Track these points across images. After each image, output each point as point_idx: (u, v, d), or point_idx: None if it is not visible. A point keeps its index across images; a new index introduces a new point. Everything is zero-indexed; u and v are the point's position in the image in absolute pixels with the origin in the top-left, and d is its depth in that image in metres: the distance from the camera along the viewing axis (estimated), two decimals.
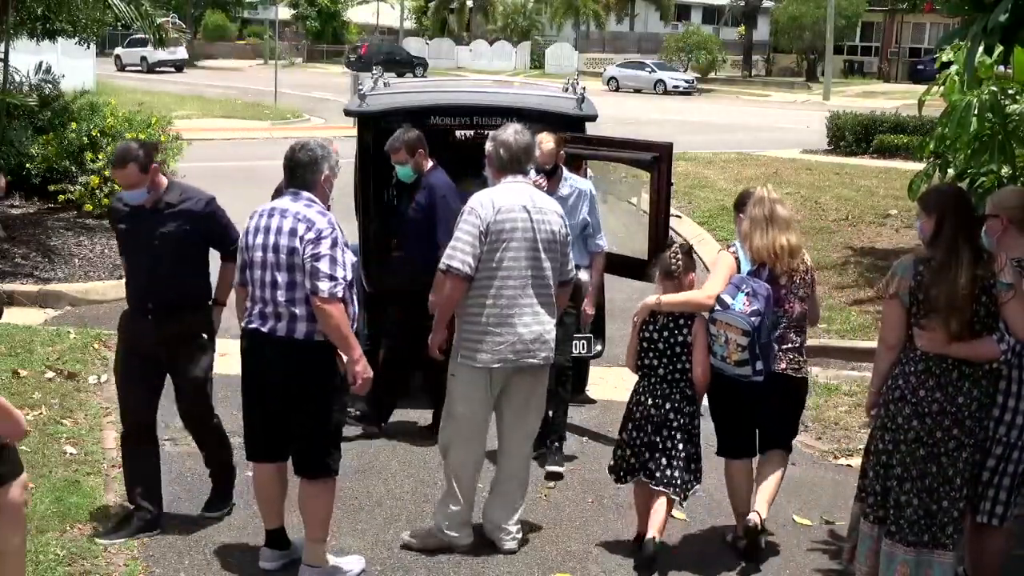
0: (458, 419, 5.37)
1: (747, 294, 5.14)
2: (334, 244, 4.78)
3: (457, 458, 5.41)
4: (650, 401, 5.32)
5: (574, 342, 7.15)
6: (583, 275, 6.59)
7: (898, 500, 4.52)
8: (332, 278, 4.72)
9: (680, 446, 5.28)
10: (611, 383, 8.06)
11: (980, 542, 4.77)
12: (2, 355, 8.03)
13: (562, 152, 6.84)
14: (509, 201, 5.25)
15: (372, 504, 5.95)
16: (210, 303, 5.60)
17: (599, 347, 7.56)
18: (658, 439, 5.29)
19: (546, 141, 6.61)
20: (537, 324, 5.27)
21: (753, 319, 5.08)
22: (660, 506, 5.28)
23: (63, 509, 5.53)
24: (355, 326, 4.90)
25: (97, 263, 10.97)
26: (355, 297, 4.91)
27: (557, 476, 6.41)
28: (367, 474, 6.35)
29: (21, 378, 7.58)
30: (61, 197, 12.51)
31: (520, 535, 5.49)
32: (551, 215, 5.35)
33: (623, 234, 7.91)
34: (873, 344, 4.90)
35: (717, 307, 5.17)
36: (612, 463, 5.51)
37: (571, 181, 6.84)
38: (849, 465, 6.69)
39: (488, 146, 5.46)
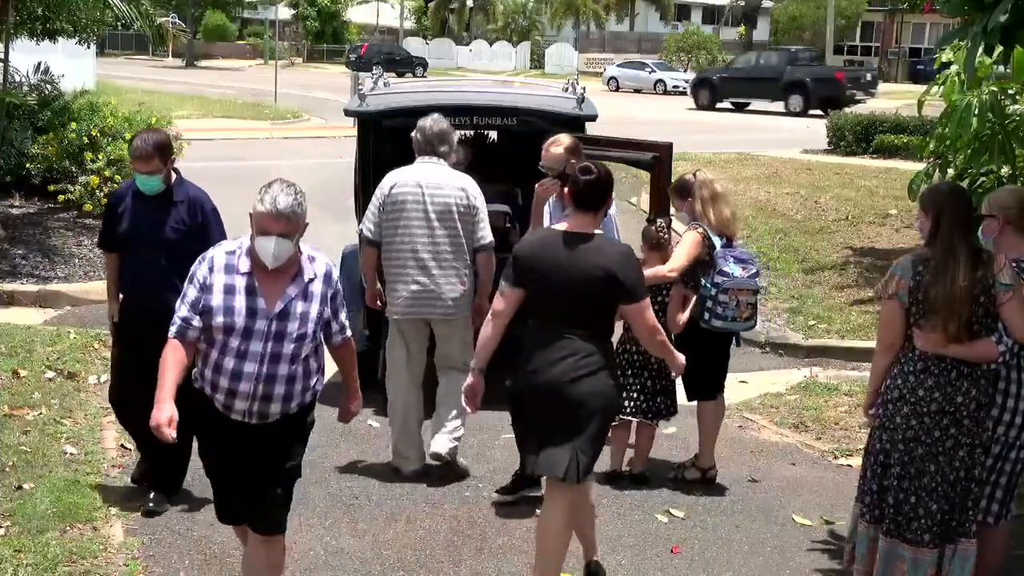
0: (389, 359, 6.44)
1: (736, 261, 6.05)
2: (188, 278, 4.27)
3: (390, 392, 6.40)
4: (633, 347, 6.16)
5: None
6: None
7: (896, 498, 4.53)
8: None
9: (650, 382, 6.21)
10: None
11: (979, 541, 4.76)
12: (2, 355, 8.03)
13: (572, 161, 5.87)
14: (404, 178, 6.22)
15: (372, 504, 5.95)
16: None
17: None
18: (643, 379, 6.22)
19: (555, 144, 6.14)
20: (432, 282, 6.16)
21: (757, 280, 6.14)
22: (644, 441, 6.37)
23: (63, 509, 5.53)
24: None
25: (97, 263, 10.96)
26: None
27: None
28: (367, 474, 6.35)
29: (21, 378, 7.58)
30: (61, 197, 12.50)
31: (457, 443, 6.29)
32: (448, 189, 6.17)
33: (623, 234, 7.91)
34: (873, 344, 4.91)
35: (724, 279, 5.98)
36: None
37: None
38: (849, 465, 6.69)
39: (413, 132, 6.34)
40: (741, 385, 8.14)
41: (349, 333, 4.55)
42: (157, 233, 5.56)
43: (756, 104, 38.55)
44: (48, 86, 14.13)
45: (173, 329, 4.19)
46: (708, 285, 6.04)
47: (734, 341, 6.43)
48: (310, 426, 4.54)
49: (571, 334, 4.62)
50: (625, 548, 5.53)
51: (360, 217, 7.94)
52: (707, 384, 6.39)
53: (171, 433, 4.03)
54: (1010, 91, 7.89)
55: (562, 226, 4.86)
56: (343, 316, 4.47)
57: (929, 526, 4.49)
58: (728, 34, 67.89)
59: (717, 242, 6.10)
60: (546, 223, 5.88)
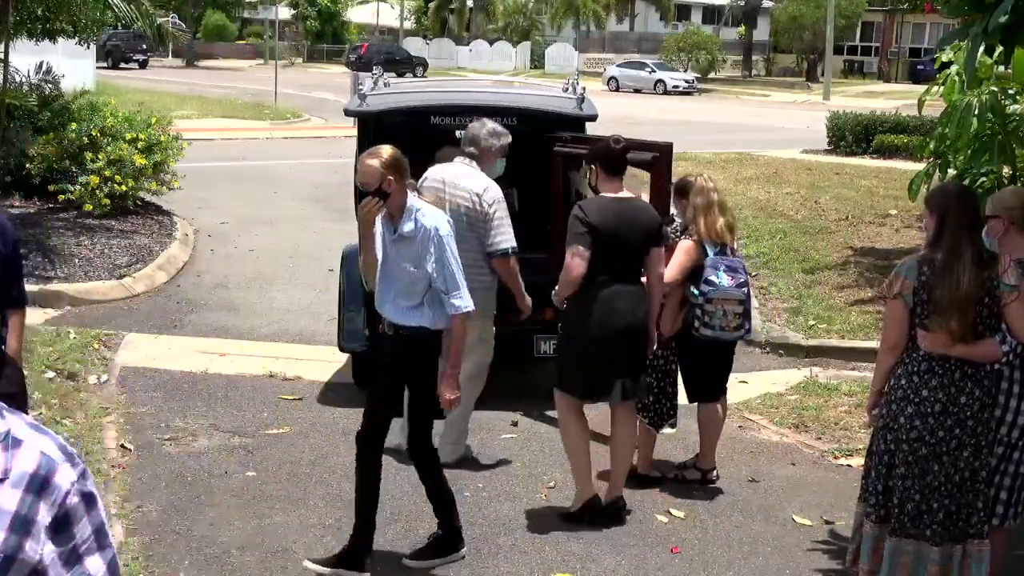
0: None
1: (727, 271, 6.00)
2: None
3: None
4: None
5: None
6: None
7: (901, 498, 4.52)
8: None
9: (652, 381, 6.16)
10: None
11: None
12: None
13: (400, 181, 5.00)
14: (436, 172, 6.41)
15: None
16: None
17: None
18: None
19: (371, 156, 5.00)
20: None
21: (744, 289, 6.03)
22: (644, 441, 6.32)
23: None
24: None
25: (97, 263, 10.97)
26: None
27: None
28: None
29: None
30: (61, 197, 12.51)
31: (460, 455, 6.42)
32: (464, 191, 6.25)
33: None
34: (873, 344, 4.92)
35: (709, 288, 5.96)
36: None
37: (420, 214, 5.08)
38: (849, 465, 6.69)
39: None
40: (741, 385, 8.14)
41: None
42: None
43: None
44: (48, 86, 14.14)
45: None
46: (696, 293, 6.04)
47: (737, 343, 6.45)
48: None
49: (634, 283, 5.68)
50: (625, 548, 5.53)
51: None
52: (708, 386, 6.40)
53: None
54: (1010, 91, 7.89)
55: (611, 194, 5.70)
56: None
57: (930, 523, 4.48)
58: (728, 34, 67.87)
59: (710, 250, 6.08)
60: (377, 245, 5.13)
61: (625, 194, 5.74)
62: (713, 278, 5.96)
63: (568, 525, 5.76)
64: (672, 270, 6.03)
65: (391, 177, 4.93)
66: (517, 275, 6.45)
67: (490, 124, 6.49)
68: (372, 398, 5.34)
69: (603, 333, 5.57)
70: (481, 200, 6.27)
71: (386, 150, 5.02)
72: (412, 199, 5.10)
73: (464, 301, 5.08)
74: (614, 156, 5.75)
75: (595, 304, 5.57)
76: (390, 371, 5.23)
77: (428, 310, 5.08)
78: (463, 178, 6.34)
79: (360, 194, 7.69)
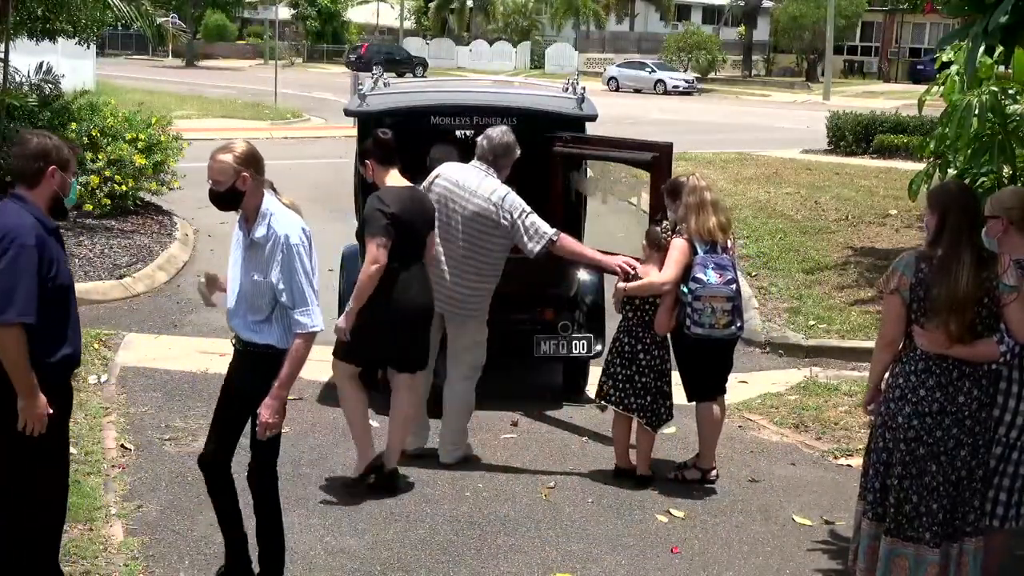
0: None
1: (715, 268, 6.03)
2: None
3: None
4: (625, 338, 6.26)
5: (574, 342, 7.32)
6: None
7: (898, 497, 4.52)
8: None
9: (649, 381, 6.21)
10: None
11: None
12: None
13: (257, 178, 4.57)
14: (449, 172, 6.39)
15: (372, 504, 5.94)
16: None
17: (599, 347, 7.56)
18: (629, 372, 6.22)
19: (224, 152, 4.59)
20: (443, 277, 6.25)
21: (732, 287, 6.06)
22: (643, 441, 6.31)
23: None
24: None
25: (97, 263, 10.98)
26: None
27: None
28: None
29: None
30: None
31: (460, 454, 6.48)
32: (480, 199, 6.23)
33: (623, 234, 7.92)
34: (873, 344, 4.91)
35: (697, 286, 6.00)
36: (597, 388, 6.42)
37: (274, 219, 4.57)
38: (849, 465, 6.69)
39: (479, 137, 6.46)
40: (741, 385, 8.14)
41: None
42: None
43: None
44: (48, 86, 14.12)
45: None
46: (684, 291, 6.09)
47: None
48: None
49: (422, 266, 6.07)
50: (625, 548, 5.53)
51: (360, 217, 7.95)
52: (705, 385, 6.40)
53: None
54: (1010, 91, 7.89)
55: (397, 184, 6.00)
56: None
57: (929, 524, 4.48)
58: (728, 34, 67.85)
59: (699, 248, 6.11)
60: (232, 249, 4.77)
61: (406, 182, 6.07)
62: (701, 276, 6.01)
63: (568, 525, 5.76)
64: (670, 269, 6.09)
65: (246, 173, 4.50)
66: (580, 248, 6.50)
67: (512, 137, 6.43)
68: (215, 420, 4.83)
69: (400, 314, 5.87)
70: (500, 209, 6.22)
71: (240, 145, 4.61)
72: (269, 201, 4.58)
73: (312, 319, 4.51)
74: (385, 147, 5.99)
75: (394, 287, 5.84)
76: (237, 392, 4.72)
77: (277, 327, 4.58)
78: (482, 186, 6.30)
79: (362, 193, 7.73)
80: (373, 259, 5.75)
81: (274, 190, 4.69)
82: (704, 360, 6.30)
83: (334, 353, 6.06)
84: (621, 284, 6.25)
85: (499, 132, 6.42)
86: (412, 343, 6.04)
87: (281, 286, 4.49)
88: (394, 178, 6.03)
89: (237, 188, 4.51)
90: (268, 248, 4.51)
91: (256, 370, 4.61)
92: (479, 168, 6.39)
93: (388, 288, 5.83)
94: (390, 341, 5.95)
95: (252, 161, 4.53)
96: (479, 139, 6.46)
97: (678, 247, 6.13)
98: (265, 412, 4.54)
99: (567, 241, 6.35)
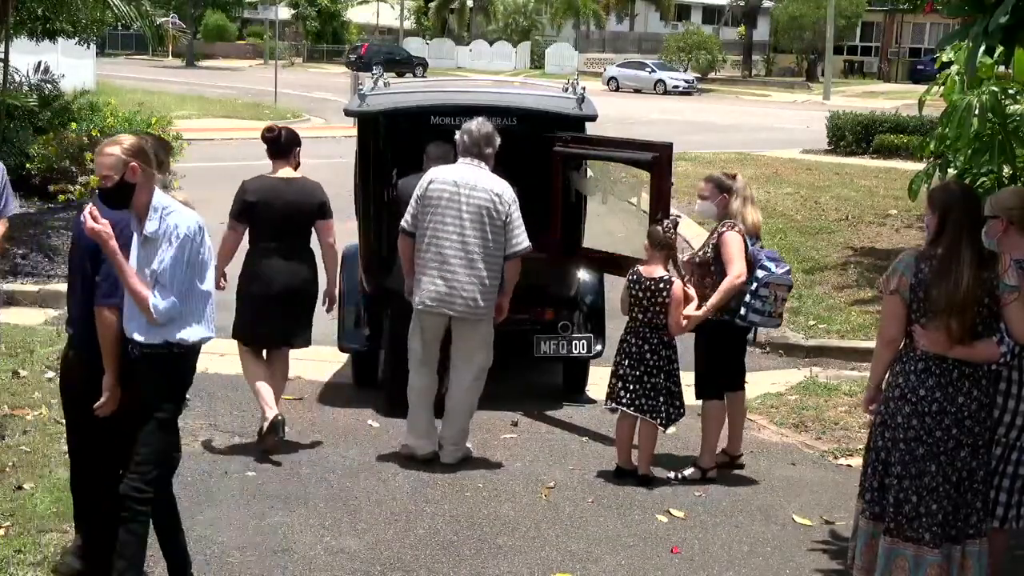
0: (409, 346, 6.53)
1: (768, 259, 6.21)
2: None
3: (410, 377, 6.52)
4: (632, 339, 6.29)
5: (574, 342, 7.32)
6: None
7: (897, 497, 4.52)
8: None
9: (660, 381, 6.22)
10: None
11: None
12: (2, 355, 8.03)
13: (145, 170, 4.38)
14: (443, 175, 6.36)
15: (372, 504, 5.95)
16: None
17: (599, 347, 7.57)
18: (639, 373, 6.23)
19: (111, 144, 4.43)
20: (455, 279, 6.26)
21: (790, 276, 6.32)
22: (645, 441, 6.31)
23: (63, 509, 5.51)
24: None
25: None
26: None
27: None
28: (367, 474, 6.35)
29: (21, 378, 7.58)
30: (61, 197, 12.51)
31: (461, 455, 6.49)
32: (483, 192, 6.28)
33: (623, 234, 7.91)
34: (873, 344, 4.91)
35: (765, 273, 6.14)
36: (607, 390, 6.39)
37: (166, 212, 4.40)
38: (849, 465, 6.69)
39: (456, 134, 6.50)
40: None
41: None
42: None
43: None
44: (48, 86, 14.14)
45: None
46: (754, 280, 6.18)
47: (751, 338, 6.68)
48: None
49: (295, 251, 6.62)
50: (625, 548, 5.53)
51: (360, 217, 7.95)
52: (719, 382, 6.43)
53: None
54: (1010, 91, 7.89)
55: (277, 175, 6.64)
56: None
57: (929, 525, 4.48)
58: (728, 34, 67.87)
59: (748, 242, 6.28)
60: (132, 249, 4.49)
61: (292, 174, 6.64)
62: (769, 264, 6.18)
63: (568, 525, 5.76)
64: (740, 262, 6.17)
65: (135, 164, 4.31)
66: (513, 280, 6.51)
67: (491, 126, 6.46)
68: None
69: (264, 293, 6.53)
70: (501, 200, 6.28)
71: (128, 138, 4.45)
72: (160, 196, 4.41)
73: (159, 308, 4.30)
74: (272, 142, 6.67)
75: (258, 269, 6.56)
76: (141, 400, 4.47)
77: (173, 324, 4.38)
78: (480, 180, 6.32)
79: (360, 193, 7.73)
80: (223, 240, 6.52)
81: (166, 188, 4.56)
82: (724, 351, 6.39)
83: (233, 334, 6.73)
84: (694, 312, 6.20)
85: (476, 124, 6.42)
86: (270, 320, 6.58)
87: (160, 270, 4.30)
88: (283, 171, 6.65)
89: (127, 181, 4.32)
90: (160, 241, 4.34)
91: (150, 371, 4.42)
92: (469, 164, 6.39)
93: (249, 271, 6.60)
94: (258, 318, 6.60)
95: (140, 153, 4.36)
96: (458, 137, 6.43)
97: (737, 241, 6.23)
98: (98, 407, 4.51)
99: (518, 265, 6.41)
